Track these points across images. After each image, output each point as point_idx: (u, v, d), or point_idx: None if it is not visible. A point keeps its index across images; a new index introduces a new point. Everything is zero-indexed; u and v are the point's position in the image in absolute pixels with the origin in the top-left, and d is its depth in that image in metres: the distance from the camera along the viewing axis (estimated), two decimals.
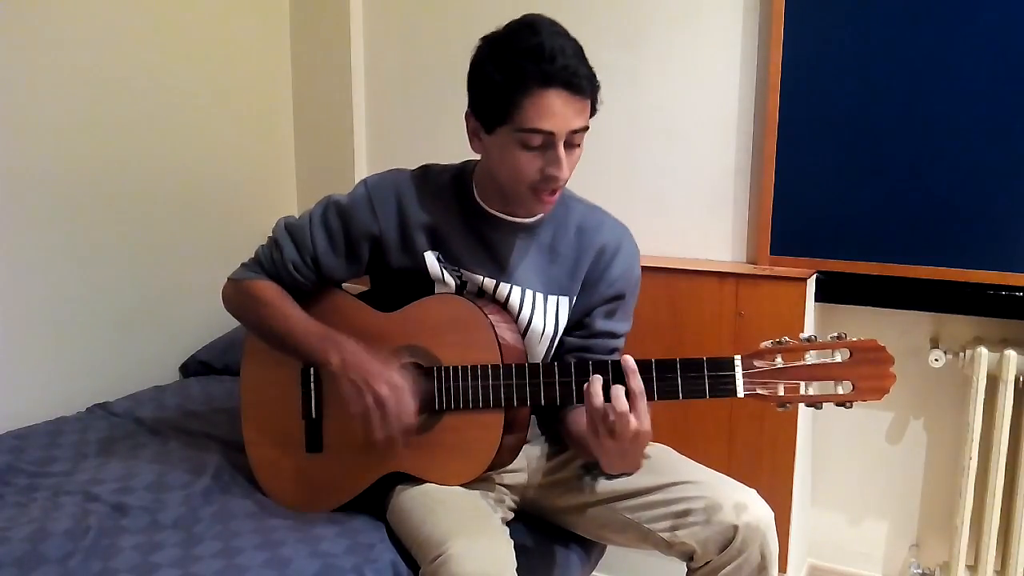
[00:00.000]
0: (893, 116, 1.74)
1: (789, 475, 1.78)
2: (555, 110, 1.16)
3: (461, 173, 1.37)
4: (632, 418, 1.14)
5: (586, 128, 1.21)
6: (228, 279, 1.43)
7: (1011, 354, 1.69)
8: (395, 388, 1.25)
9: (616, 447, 1.17)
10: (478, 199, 1.34)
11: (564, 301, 1.37)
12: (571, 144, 1.21)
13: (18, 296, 1.76)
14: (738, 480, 1.30)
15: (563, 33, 1.19)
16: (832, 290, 1.82)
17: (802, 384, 1.14)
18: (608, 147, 1.99)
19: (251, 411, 1.47)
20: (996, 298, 1.70)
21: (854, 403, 1.13)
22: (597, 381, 1.16)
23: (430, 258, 1.33)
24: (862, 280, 1.80)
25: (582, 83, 1.17)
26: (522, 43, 1.16)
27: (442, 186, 1.35)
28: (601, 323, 1.38)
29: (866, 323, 1.87)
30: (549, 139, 1.18)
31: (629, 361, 1.16)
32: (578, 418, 1.32)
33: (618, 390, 1.14)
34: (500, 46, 1.19)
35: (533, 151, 1.19)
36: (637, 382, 1.15)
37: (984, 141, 1.67)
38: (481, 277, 1.33)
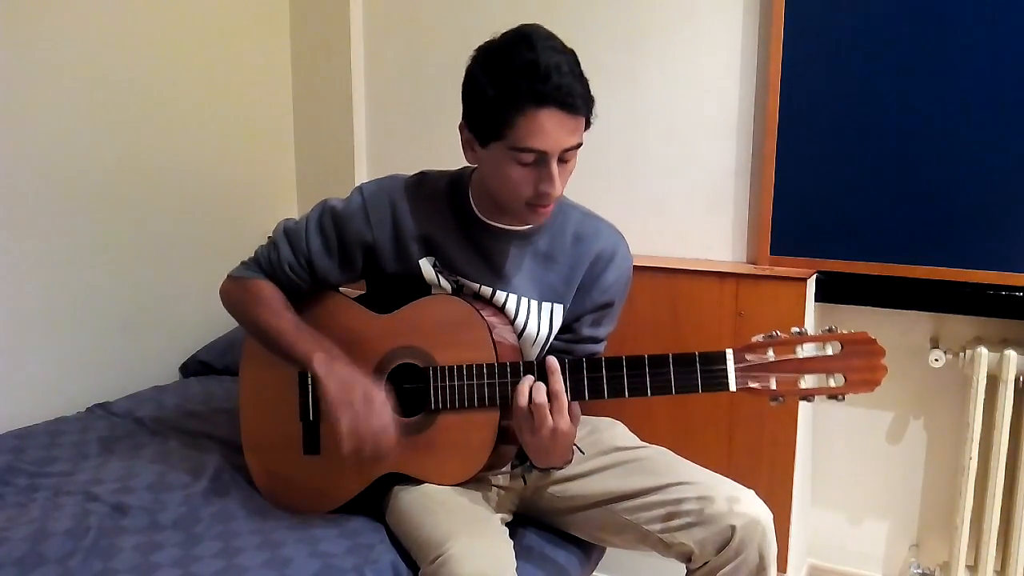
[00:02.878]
0: (893, 116, 1.73)
1: (789, 475, 1.78)
2: (548, 129, 1.15)
3: (458, 180, 1.36)
4: (549, 417, 1.18)
5: (579, 145, 1.20)
6: (227, 276, 1.44)
7: (1011, 354, 1.69)
8: (369, 400, 1.25)
9: (536, 443, 1.21)
10: (474, 208, 1.33)
11: (559, 308, 1.37)
12: (563, 160, 1.20)
13: (18, 296, 1.76)
14: (737, 480, 1.30)
15: (559, 47, 1.17)
16: (832, 290, 1.82)
17: (794, 377, 1.14)
18: (608, 147, 1.99)
19: (249, 412, 1.47)
20: (996, 298, 1.70)
21: (846, 395, 1.14)
22: (526, 382, 1.20)
23: (425, 265, 1.33)
24: (862, 280, 1.80)
25: (576, 102, 1.16)
26: (516, 59, 1.15)
27: (438, 194, 1.35)
28: (587, 330, 1.39)
29: (866, 323, 1.86)
30: (542, 157, 1.17)
31: (551, 361, 1.20)
32: None
33: (538, 387, 1.19)
34: (494, 60, 1.18)
35: (526, 167, 1.19)
36: (555, 383, 1.19)
37: (984, 141, 1.67)
38: (477, 285, 1.33)
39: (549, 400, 1.18)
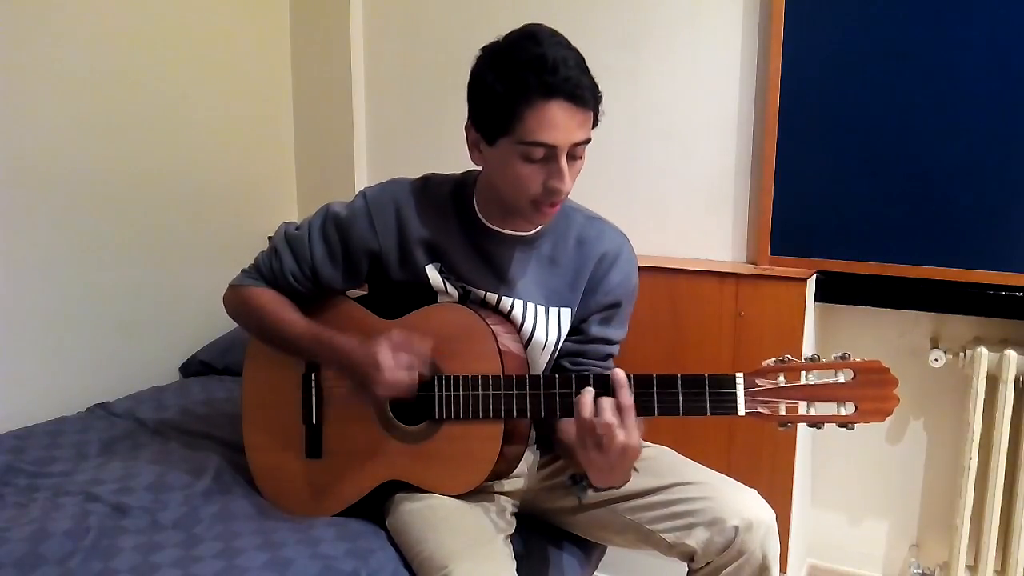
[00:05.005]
0: (893, 116, 1.73)
1: (789, 475, 1.78)
2: (557, 122, 1.14)
3: (462, 185, 1.35)
4: (620, 432, 1.12)
5: (588, 140, 1.19)
6: (229, 285, 1.43)
7: (1011, 354, 1.69)
8: (376, 369, 1.21)
9: (603, 460, 1.15)
10: (478, 213, 1.32)
11: (566, 312, 1.36)
12: (573, 156, 1.19)
13: (19, 296, 1.76)
14: (738, 481, 1.30)
15: (565, 44, 1.18)
16: (832, 290, 1.82)
17: (804, 404, 1.12)
18: (608, 147, 1.99)
19: (252, 415, 1.47)
20: (996, 298, 1.70)
21: (856, 424, 1.12)
22: (588, 393, 1.14)
23: (432, 271, 1.32)
24: (862, 280, 1.80)
25: (585, 94, 1.15)
26: (524, 54, 1.15)
27: (442, 199, 1.34)
28: (596, 329, 1.38)
29: (866, 323, 1.87)
30: (551, 152, 1.16)
31: (619, 375, 1.14)
32: (569, 428, 1.27)
33: (606, 402, 1.12)
34: (501, 57, 1.18)
35: (535, 163, 1.18)
36: (626, 396, 1.13)
37: (984, 141, 1.67)
38: (483, 291, 1.33)
39: (619, 415, 1.12)
